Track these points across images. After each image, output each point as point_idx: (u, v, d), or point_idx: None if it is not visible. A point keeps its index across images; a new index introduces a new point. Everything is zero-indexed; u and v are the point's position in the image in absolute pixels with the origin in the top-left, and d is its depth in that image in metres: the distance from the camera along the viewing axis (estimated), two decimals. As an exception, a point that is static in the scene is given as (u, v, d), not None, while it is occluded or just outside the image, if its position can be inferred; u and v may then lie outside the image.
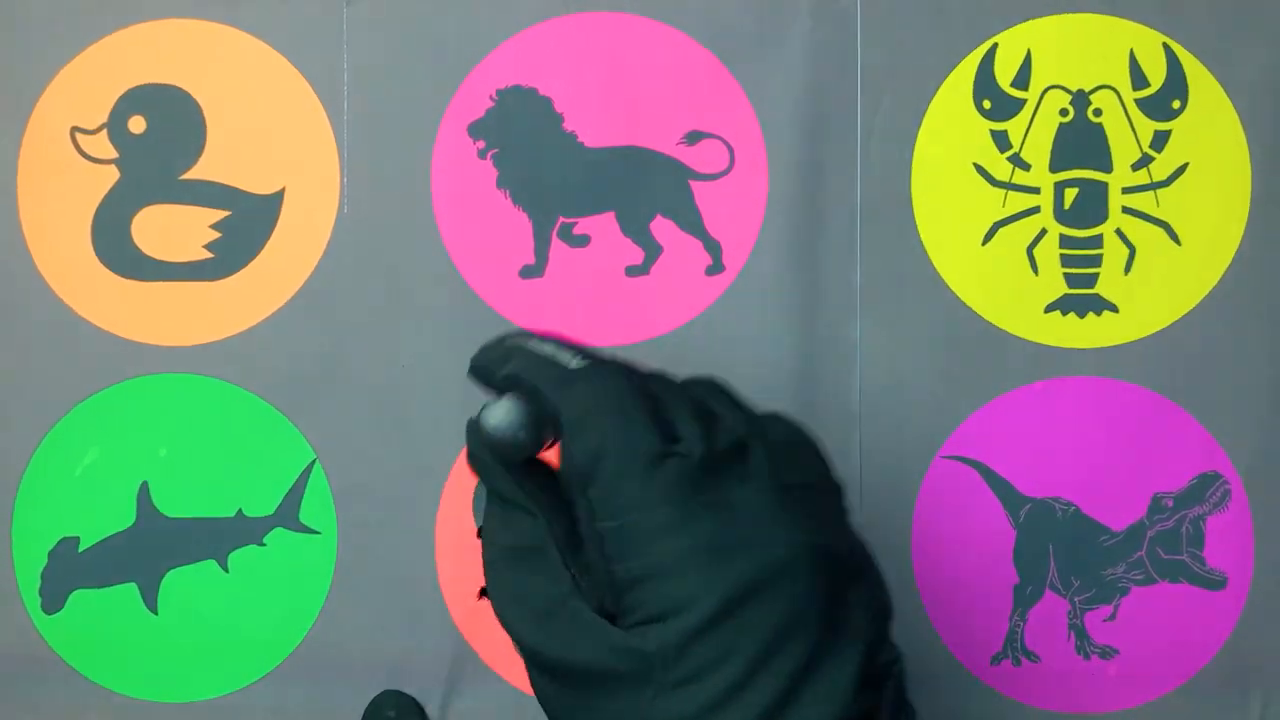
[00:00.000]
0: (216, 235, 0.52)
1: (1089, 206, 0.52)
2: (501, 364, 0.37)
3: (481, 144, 0.52)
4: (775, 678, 0.31)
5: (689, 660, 0.31)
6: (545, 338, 0.38)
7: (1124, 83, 0.52)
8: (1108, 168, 0.52)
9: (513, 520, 0.35)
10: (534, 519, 0.35)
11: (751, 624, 0.31)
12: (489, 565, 0.36)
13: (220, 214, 0.52)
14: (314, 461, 0.52)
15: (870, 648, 0.33)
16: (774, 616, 0.32)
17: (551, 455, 0.36)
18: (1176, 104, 0.52)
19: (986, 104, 0.52)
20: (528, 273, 0.52)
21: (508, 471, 0.36)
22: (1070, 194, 0.52)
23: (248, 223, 0.52)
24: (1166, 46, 0.52)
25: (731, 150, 0.52)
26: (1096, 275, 0.52)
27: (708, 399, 0.36)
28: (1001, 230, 0.52)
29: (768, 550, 0.32)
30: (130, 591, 0.52)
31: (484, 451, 0.36)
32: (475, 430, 0.36)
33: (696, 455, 0.33)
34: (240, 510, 0.52)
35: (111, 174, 0.52)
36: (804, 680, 0.31)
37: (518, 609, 0.34)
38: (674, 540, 0.32)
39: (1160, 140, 0.52)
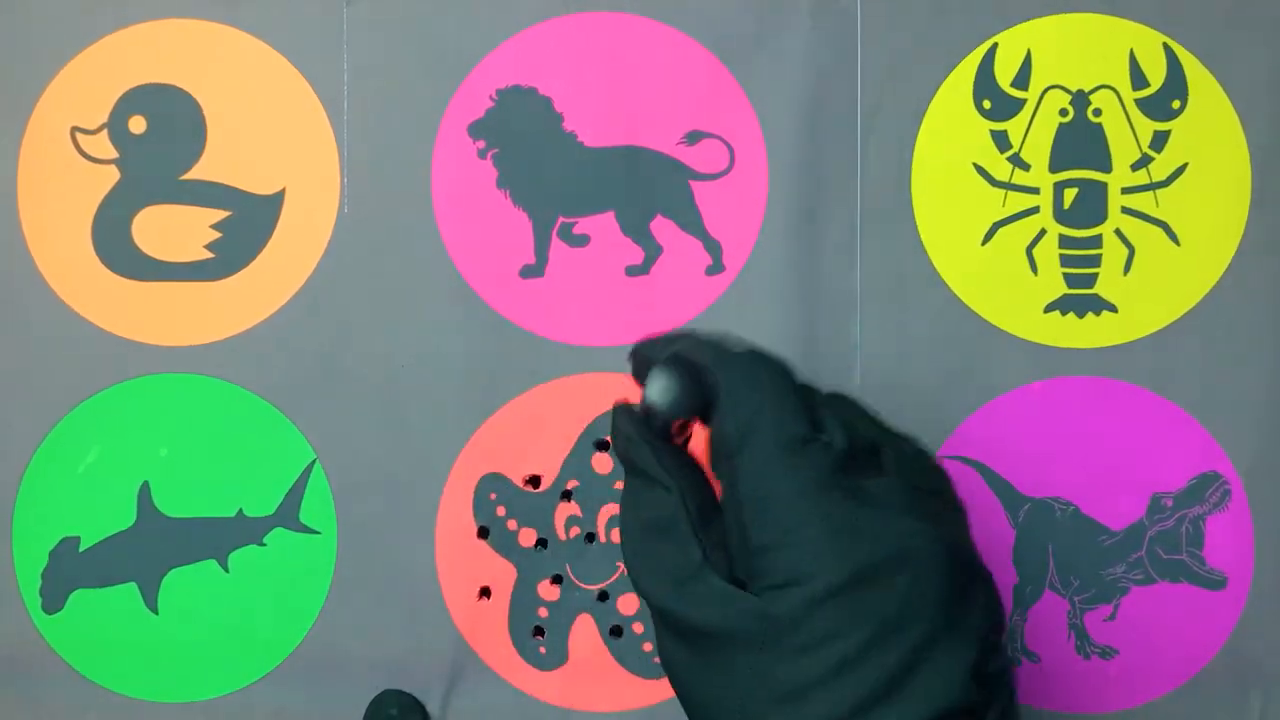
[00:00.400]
0: (217, 235, 0.52)
1: (1088, 206, 0.52)
2: (666, 348, 0.39)
3: (481, 144, 0.52)
4: (890, 657, 0.32)
5: (811, 627, 0.32)
6: (710, 334, 0.40)
7: (1124, 83, 0.52)
8: (1107, 168, 0.52)
9: (651, 495, 0.37)
10: (669, 494, 0.36)
11: (874, 602, 0.33)
12: (626, 535, 0.38)
13: (221, 214, 0.52)
14: (314, 461, 0.52)
15: (983, 649, 0.34)
16: (897, 598, 0.33)
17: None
18: (1176, 104, 0.52)
19: (986, 104, 0.52)
20: (528, 272, 0.52)
21: (651, 449, 0.37)
22: (1070, 194, 0.52)
23: (248, 223, 0.52)
24: (1166, 46, 0.52)
25: (731, 150, 0.52)
26: (1096, 275, 0.52)
27: (848, 409, 0.38)
28: (1001, 230, 0.52)
29: (899, 535, 0.34)
30: (131, 591, 0.52)
31: (632, 426, 0.38)
32: (625, 408, 0.38)
33: (840, 445, 0.35)
34: (240, 510, 0.52)
35: (112, 174, 0.52)
36: (917, 665, 0.32)
37: (653, 575, 0.36)
38: (811, 512, 0.34)
39: (1160, 140, 0.52)
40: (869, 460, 0.36)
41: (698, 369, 0.38)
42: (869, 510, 0.34)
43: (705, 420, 0.38)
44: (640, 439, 0.38)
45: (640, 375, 0.40)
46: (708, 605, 0.34)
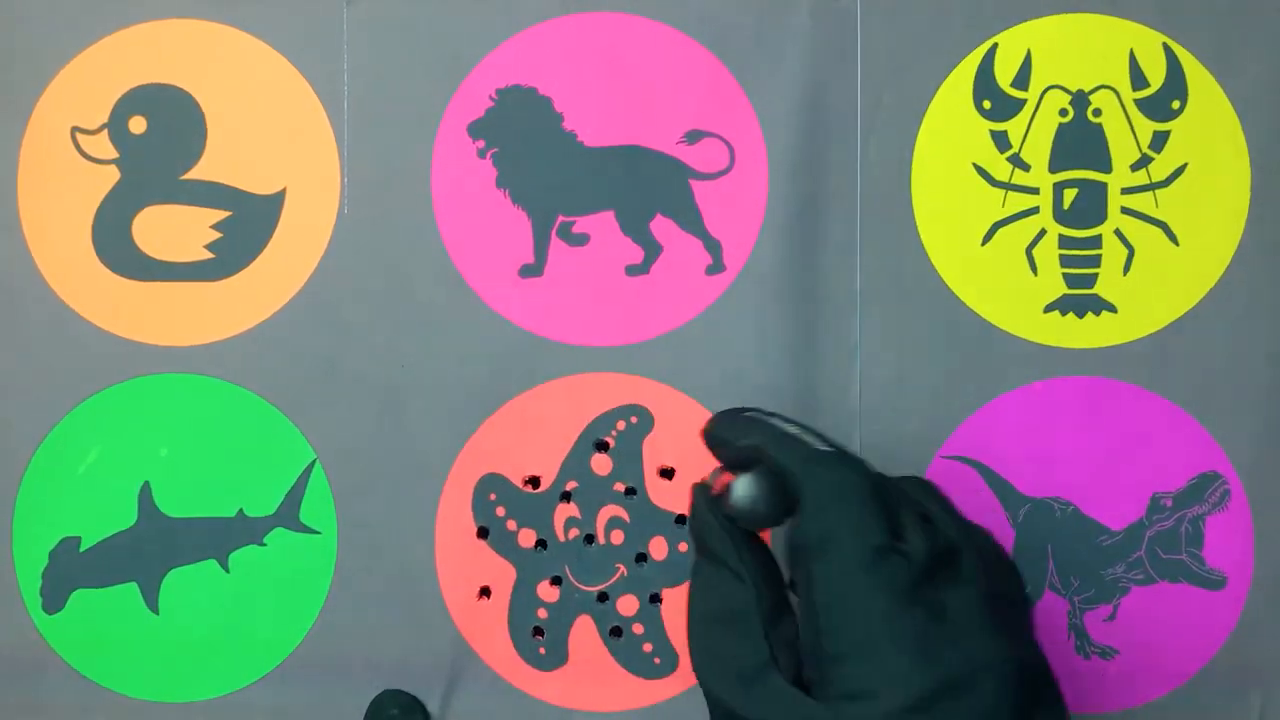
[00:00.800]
0: (217, 235, 0.52)
1: (1088, 207, 0.52)
2: (743, 435, 0.40)
3: (481, 143, 0.52)
4: None
5: None
6: (787, 419, 0.41)
7: (1124, 83, 0.52)
8: (1107, 168, 0.52)
9: (722, 584, 0.38)
10: (743, 586, 0.37)
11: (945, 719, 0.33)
12: (693, 621, 0.39)
13: (221, 214, 0.52)
14: (314, 461, 0.52)
15: None
16: (968, 716, 0.34)
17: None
18: (1176, 104, 0.52)
19: (986, 104, 0.52)
20: (527, 272, 0.52)
21: (731, 539, 0.38)
22: (1069, 194, 0.52)
23: (248, 223, 0.52)
24: (1166, 47, 0.52)
25: (731, 150, 0.52)
26: (1095, 275, 0.52)
27: (924, 500, 0.39)
28: (1001, 230, 0.52)
29: (973, 653, 0.34)
30: (131, 591, 0.52)
31: (715, 514, 0.39)
32: (707, 492, 0.39)
33: (919, 558, 0.36)
34: (241, 510, 0.52)
35: (112, 174, 0.52)
36: None
37: (718, 669, 0.37)
38: (887, 625, 0.34)
39: (1160, 141, 0.52)
40: (948, 565, 0.36)
41: (784, 474, 0.38)
42: (945, 627, 0.35)
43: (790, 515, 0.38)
44: (720, 527, 0.38)
45: (718, 453, 0.41)
46: (773, 707, 0.35)
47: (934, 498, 0.39)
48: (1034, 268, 0.52)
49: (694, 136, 0.52)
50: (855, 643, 0.34)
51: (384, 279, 0.52)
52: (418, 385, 0.52)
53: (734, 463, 0.40)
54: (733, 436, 0.40)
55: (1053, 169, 0.52)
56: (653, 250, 0.52)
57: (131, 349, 0.52)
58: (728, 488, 0.39)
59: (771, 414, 0.41)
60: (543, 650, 0.52)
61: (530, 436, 0.52)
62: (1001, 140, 0.52)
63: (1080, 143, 0.52)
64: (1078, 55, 0.52)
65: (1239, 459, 0.52)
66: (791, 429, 0.40)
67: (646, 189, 0.52)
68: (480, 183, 0.52)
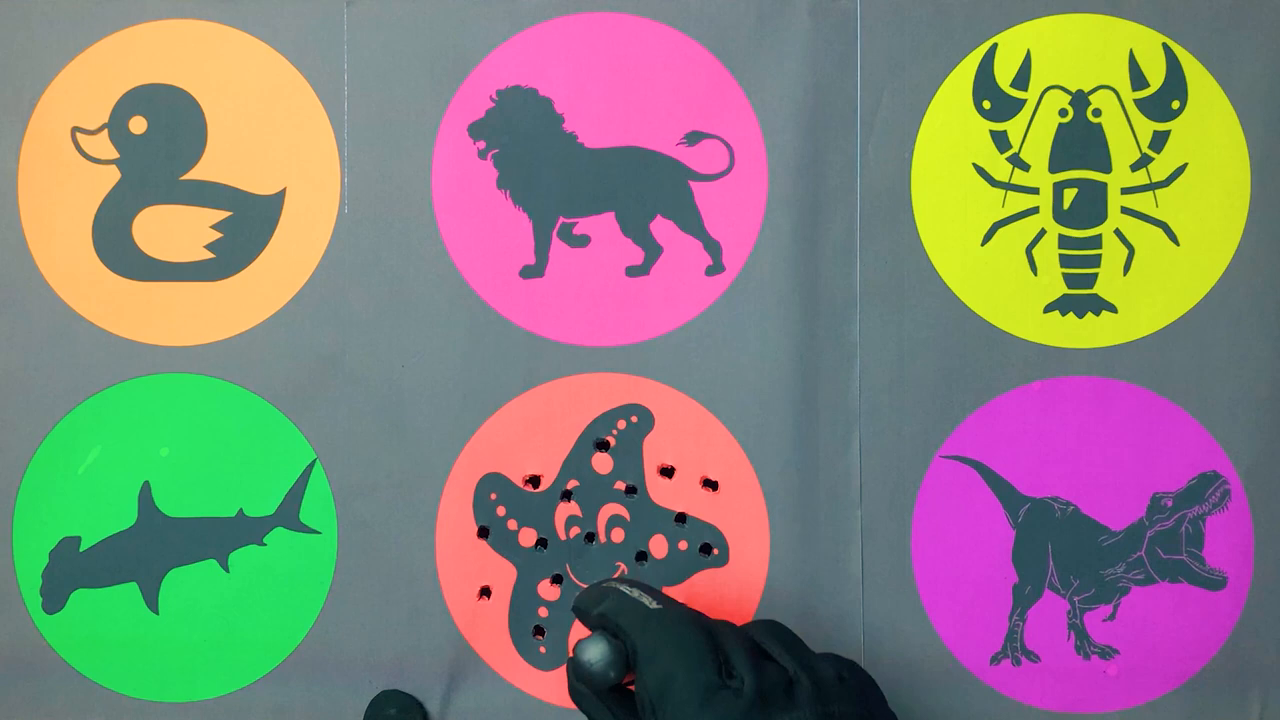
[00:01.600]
0: (217, 235, 0.52)
1: (1088, 207, 0.52)
2: (597, 603, 0.45)
3: (482, 144, 0.52)
4: None
5: None
6: (635, 583, 0.46)
7: (1123, 83, 0.52)
8: (1107, 168, 0.52)
9: None
10: None
11: None
12: None
13: (221, 214, 0.52)
14: (314, 461, 0.52)
15: None
16: None
17: None
18: (1176, 104, 0.52)
19: (986, 104, 0.52)
20: (528, 273, 0.52)
21: (599, 699, 0.44)
22: (1069, 194, 0.52)
23: (248, 223, 0.52)
24: (1166, 47, 0.52)
25: (731, 150, 0.52)
26: (1095, 275, 0.52)
27: (765, 640, 0.43)
28: (1001, 230, 0.53)
29: None
30: (131, 591, 0.52)
31: (579, 682, 0.44)
32: (573, 663, 0.44)
33: (748, 690, 0.40)
34: (241, 510, 0.52)
35: (112, 174, 0.52)
36: None
37: None
38: None
39: (1159, 141, 0.52)
40: (783, 693, 0.41)
41: (621, 634, 0.43)
42: None
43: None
44: (590, 693, 0.44)
45: (583, 622, 0.46)
46: None
47: (776, 638, 0.43)
48: (1034, 268, 0.52)
49: (694, 138, 0.52)
50: None
51: (384, 279, 0.52)
52: (418, 385, 0.52)
53: (593, 630, 0.45)
54: (587, 607, 0.45)
55: (1053, 169, 0.52)
56: (653, 251, 0.52)
57: (131, 349, 0.52)
58: (574, 652, 0.44)
59: (626, 580, 0.46)
60: (543, 650, 0.52)
61: (531, 436, 0.52)
62: (1001, 140, 0.53)
63: (1080, 143, 0.52)
64: (1078, 55, 0.52)
65: (1239, 459, 0.52)
66: (634, 592, 0.45)
67: (647, 190, 0.52)
68: (481, 184, 0.52)
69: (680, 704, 0.40)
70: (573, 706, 0.52)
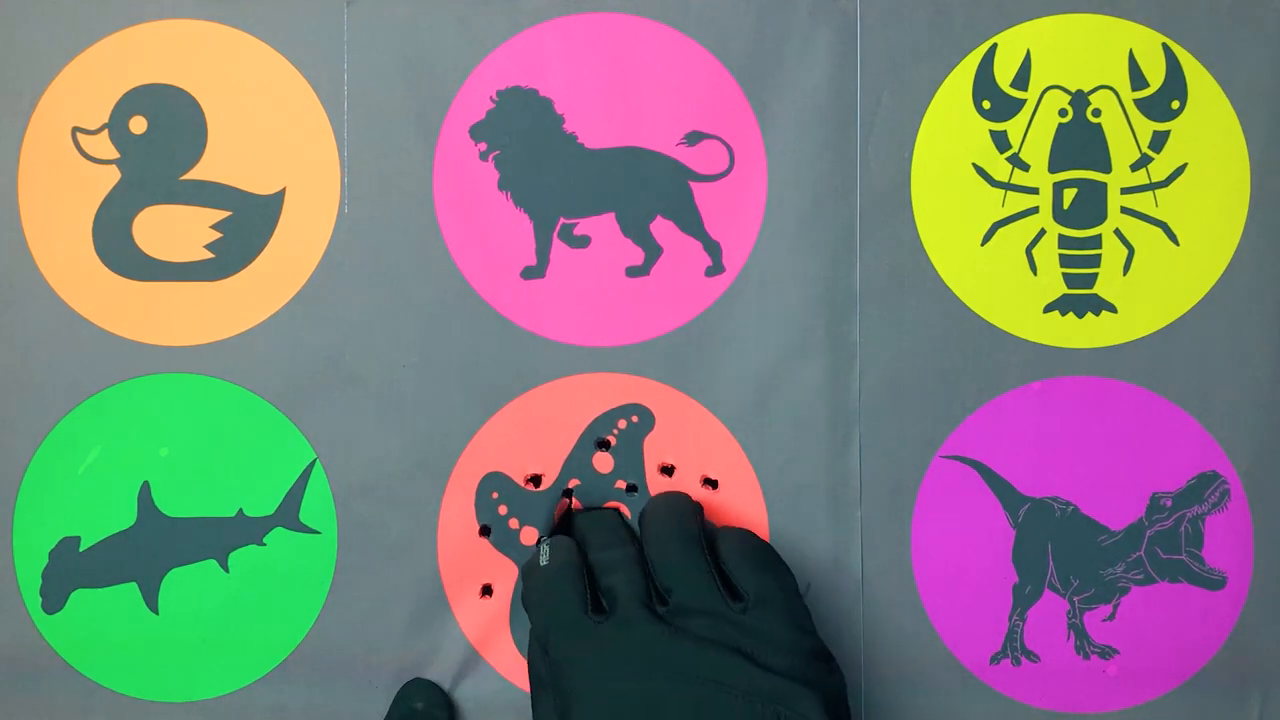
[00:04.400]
0: (217, 235, 0.52)
1: (1088, 207, 0.53)
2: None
3: (483, 146, 0.52)
4: None
5: None
6: (554, 538, 0.50)
7: (1123, 83, 0.52)
8: (1106, 168, 0.53)
9: (537, 696, 0.46)
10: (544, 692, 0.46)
11: None
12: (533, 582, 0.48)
13: (221, 214, 0.52)
14: (314, 461, 0.52)
15: None
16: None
17: None
18: (1175, 104, 0.52)
19: (986, 104, 0.53)
20: (529, 273, 0.52)
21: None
22: (1069, 194, 0.53)
23: (248, 223, 0.52)
24: (1166, 47, 0.52)
25: (731, 150, 0.52)
26: (1095, 275, 0.52)
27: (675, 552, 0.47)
28: (1001, 230, 0.53)
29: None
30: (131, 591, 0.52)
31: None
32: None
33: (617, 615, 0.44)
34: (241, 510, 0.52)
35: (112, 174, 0.52)
36: None
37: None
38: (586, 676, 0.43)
39: (1159, 141, 0.52)
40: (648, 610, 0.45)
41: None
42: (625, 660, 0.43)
43: None
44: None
45: None
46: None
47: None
48: (1034, 268, 0.53)
49: (694, 138, 0.52)
50: (575, 694, 0.43)
51: (385, 279, 0.52)
52: (419, 385, 0.52)
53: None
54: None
55: (1052, 169, 0.53)
56: (653, 252, 0.52)
57: (131, 349, 0.52)
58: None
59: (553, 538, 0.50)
60: (543, 650, 0.52)
61: (532, 436, 0.52)
62: (1001, 140, 0.53)
63: (1080, 143, 0.52)
64: (1077, 55, 0.52)
65: (1239, 459, 0.53)
66: (541, 548, 0.49)
67: (647, 191, 0.52)
68: (482, 185, 0.52)
69: (557, 644, 0.44)
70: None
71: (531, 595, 0.47)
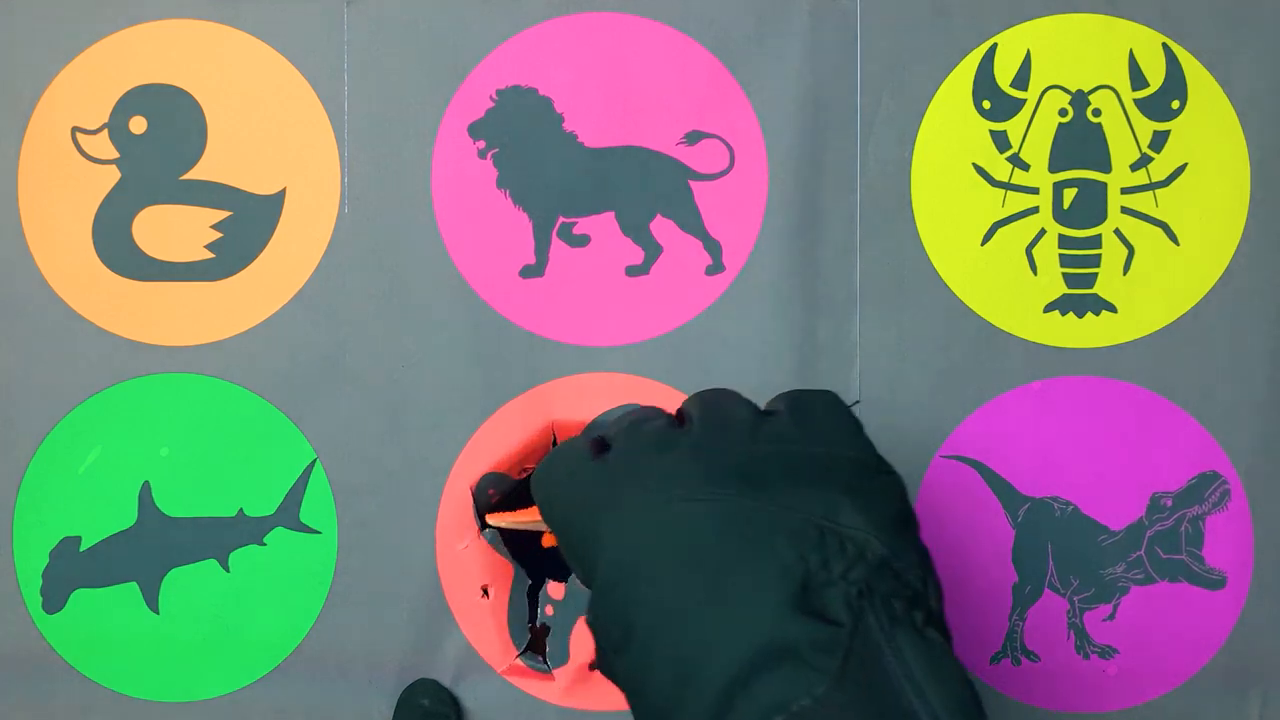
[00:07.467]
0: (217, 235, 0.52)
1: (1088, 207, 0.52)
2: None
3: (482, 144, 0.52)
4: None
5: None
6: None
7: (1123, 83, 0.52)
8: (1107, 168, 0.52)
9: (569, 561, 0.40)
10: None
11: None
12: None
13: (221, 214, 0.52)
14: (314, 461, 0.52)
15: None
16: None
17: None
18: (1176, 104, 0.52)
19: (986, 104, 0.52)
20: (528, 272, 0.52)
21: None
22: (1069, 194, 0.52)
23: (249, 223, 0.52)
24: (1166, 47, 0.52)
25: (731, 150, 0.52)
26: (1095, 275, 0.52)
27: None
28: (1001, 230, 0.53)
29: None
30: (131, 591, 0.52)
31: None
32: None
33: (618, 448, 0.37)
34: (241, 510, 0.52)
35: (112, 174, 0.52)
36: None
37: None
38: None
39: (1159, 140, 0.52)
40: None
41: None
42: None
43: None
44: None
45: None
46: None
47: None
48: (1034, 268, 0.52)
49: (694, 137, 0.52)
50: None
51: (384, 279, 0.52)
52: (418, 385, 0.52)
53: None
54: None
55: (1052, 169, 0.52)
56: (653, 251, 0.52)
57: (131, 349, 0.52)
58: None
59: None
60: (545, 649, 0.52)
61: (531, 435, 0.52)
62: (1001, 140, 0.52)
63: (1080, 143, 0.52)
64: (1077, 55, 0.52)
65: (1239, 459, 0.52)
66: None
67: (647, 190, 0.52)
68: (481, 183, 0.52)
69: (561, 498, 0.38)
70: (573, 707, 0.52)
71: (538, 470, 0.39)
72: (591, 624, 0.35)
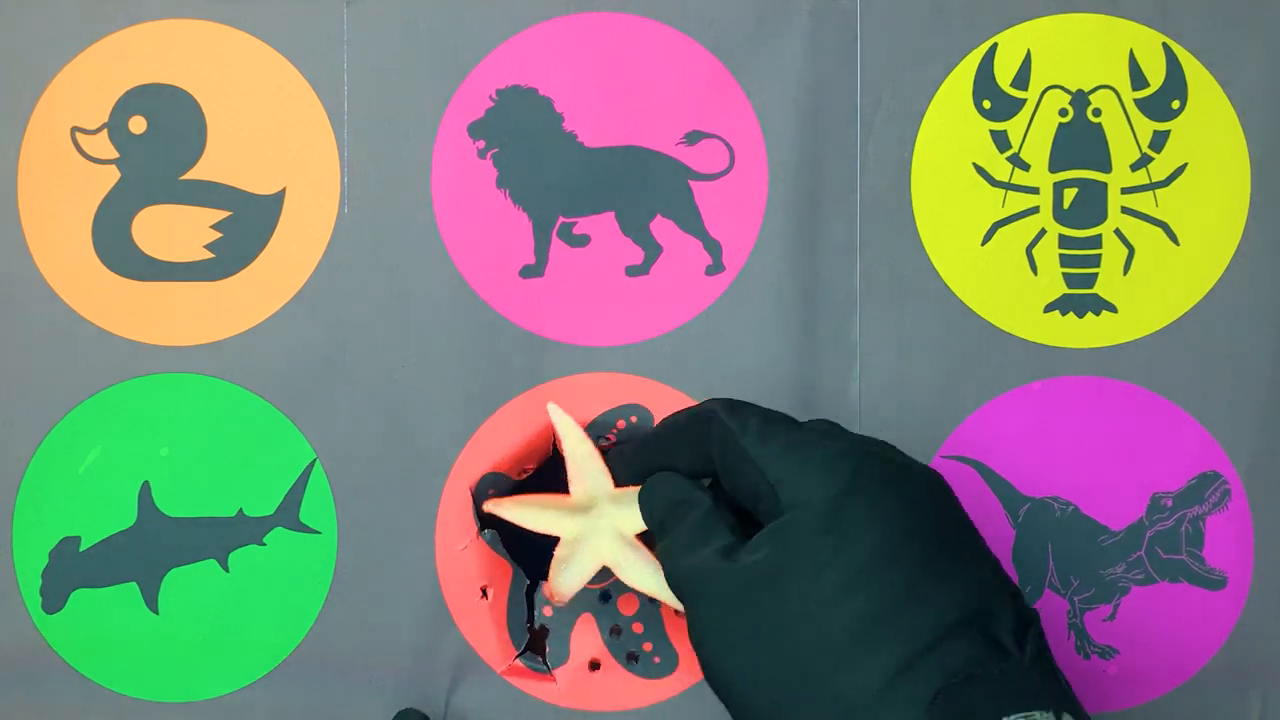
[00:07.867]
0: (217, 235, 0.52)
1: (1088, 207, 0.52)
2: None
3: (481, 144, 0.52)
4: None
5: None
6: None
7: (1123, 83, 0.52)
8: (1107, 168, 0.52)
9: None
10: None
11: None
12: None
13: (221, 214, 0.52)
14: (314, 461, 0.52)
15: None
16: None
17: None
18: (1176, 104, 0.52)
19: (986, 104, 0.52)
20: (528, 272, 0.52)
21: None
22: (1069, 194, 0.52)
23: (248, 223, 0.52)
24: (1166, 47, 0.52)
25: (731, 150, 0.52)
26: (1095, 275, 0.52)
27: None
28: (1001, 230, 0.53)
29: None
30: (131, 591, 0.52)
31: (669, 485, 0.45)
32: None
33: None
34: (241, 510, 0.52)
35: (112, 174, 0.52)
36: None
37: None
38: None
39: (1159, 140, 0.52)
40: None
41: None
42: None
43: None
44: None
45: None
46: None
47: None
48: (1034, 268, 0.52)
49: (694, 137, 0.52)
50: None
51: (384, 279, 0.52)
52: (418, 385, 0.52)
53: None
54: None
55: (1053, 169, 0.52)
56: (653, 251, 0.52)
57: (131, 349, 0.52)
58: None
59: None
60: (545, 649, 0.52)
61: (531, 436, 0.52)
62: (1001, 140, 0.53)
63: (1080, 142, 0.52)
64: (1078, 55, 0.52)
65: (1239, 459, 0.52)
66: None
67: (647, 190, 0.52)
68: (480, 183, 0.52)
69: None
70: (573, 707, 0.52)
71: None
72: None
